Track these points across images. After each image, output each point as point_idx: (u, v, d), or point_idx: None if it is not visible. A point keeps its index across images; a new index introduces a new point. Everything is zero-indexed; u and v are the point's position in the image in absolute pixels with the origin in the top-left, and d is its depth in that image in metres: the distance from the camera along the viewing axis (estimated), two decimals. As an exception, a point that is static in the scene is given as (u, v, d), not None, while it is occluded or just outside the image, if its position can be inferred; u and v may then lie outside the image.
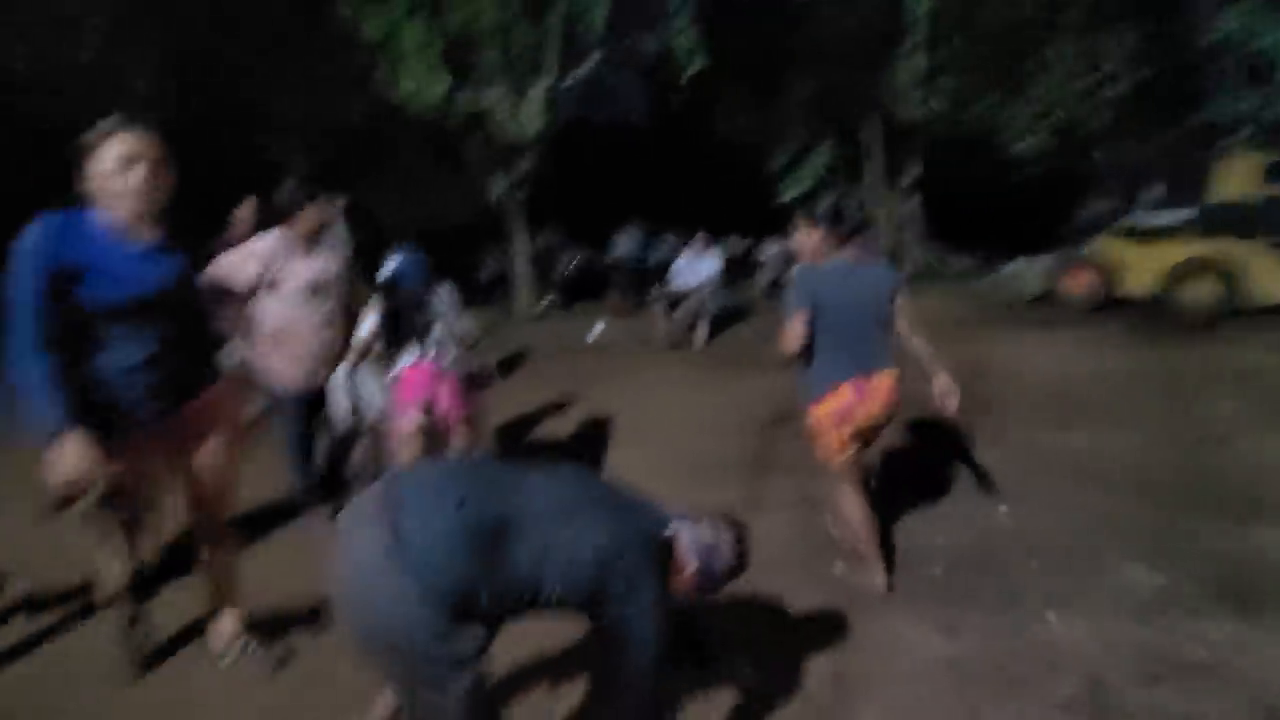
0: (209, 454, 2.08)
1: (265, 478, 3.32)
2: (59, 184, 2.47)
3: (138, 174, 1.77)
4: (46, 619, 2.63)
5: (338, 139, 11.76)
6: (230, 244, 3.01)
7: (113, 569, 2.11)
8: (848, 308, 2.46)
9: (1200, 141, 8.16)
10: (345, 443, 3.42)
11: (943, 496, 3.42)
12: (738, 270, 11.57)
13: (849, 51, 11.92)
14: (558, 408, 5.29)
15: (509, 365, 7.00)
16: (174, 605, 2.50)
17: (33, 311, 1.67)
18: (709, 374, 6.32)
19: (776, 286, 9.84)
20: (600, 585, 1.39)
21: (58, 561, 2.92)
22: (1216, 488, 3.32)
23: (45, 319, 1.68)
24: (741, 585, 1.70)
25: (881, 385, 2.49)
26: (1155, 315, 7.33)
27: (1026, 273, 8.75)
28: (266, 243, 2.96)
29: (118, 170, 1.76)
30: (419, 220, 13.37)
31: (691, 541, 1.56)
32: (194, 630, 2.44)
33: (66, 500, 1.77)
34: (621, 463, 4.13)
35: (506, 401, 5.38)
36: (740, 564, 1.65)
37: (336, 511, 3.20)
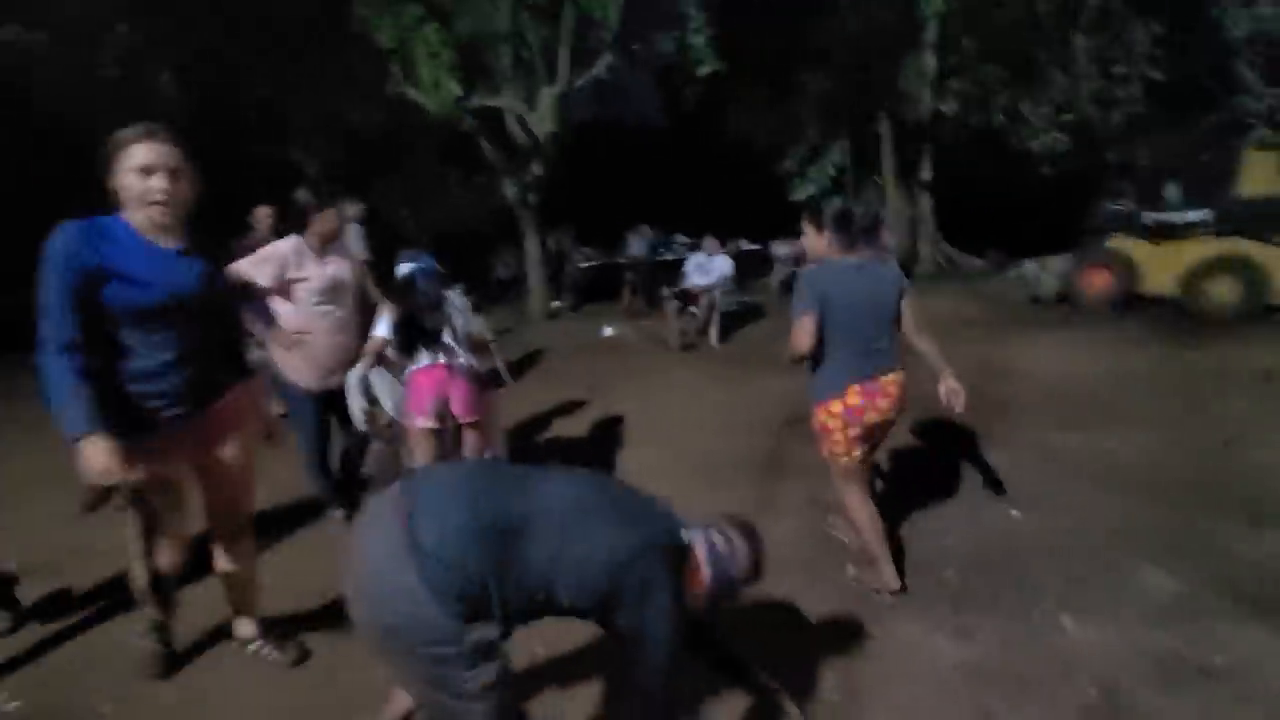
0: (230, 453, 2.12)
1: (282, 477, 3.36)
2: (82, 189, 2.53)
3: (157, 183, 1.81)
4: (71, 615, 2.69)
5: (353, 144, 11.89)
6: (251, 247, 3.06)
7: (141, 568, 2.15)
8: (856, 308, 2.47)
9: (1219, 139, 8.02)
10: (360, 444, 3.45)
11: (955, 499, 3.40)
12: (750, 269, 11.56)
13: (861, 51, 11.87)
14: (571, 408, 5.31)
15: (522, 365, 7.03)
16: (191, 604, 2.53)
17: (61, 314, 1.71)
18: (721, 374, 6.31)
19: (788, 286, 9.81)
20: (614, 590, 1.39)
21: (85, 558, 3.00)
22: (1235, 490, 3.27)
23: (73, 322, 1.72)
24: (752, 588, 1.70)
25: (889, 386, 2.50)
26: (1173, 315, 7.24)
27: (1041, 273, 8.66)
28: (282, 247, 3.01)
29: (139, 178, 1.80)
30: (433, 223, 13.51)
31: (706, 549, 1.55)
32: (212, 628, 2.48)
33: (98, 500, 1.81)
34: (634, 462, 4.14)
35: (520, 401, 5.42)
36: (755, 572, 1.64)
37: (352, 511, 3.25)
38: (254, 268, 2.90)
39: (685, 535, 1.56)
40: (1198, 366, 5.49)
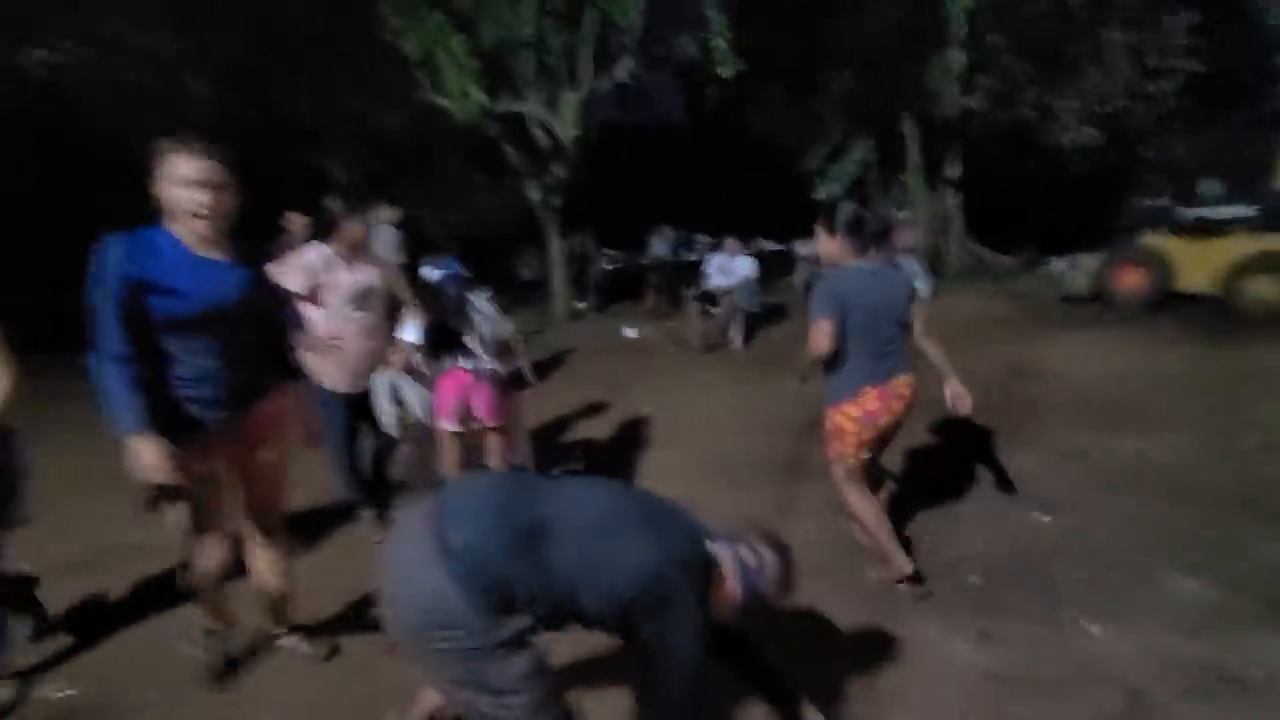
0: (268, 453, 2.19)
1: (314, 479, 3.45)
2: (124, 198, 2.63)
3: (199, 196, 1.88)
4: (118, 611, 2.79)
5: (381, 150, 12.10)
6: (285, 249, 3.14)
7: (192, 568, 2.22)
8: (872, 311, 2.51)
9: (1258, 133, 7.79)
10: (389, 446, 3.53)
11: (981, 502, 3.37)
12: (773, 268, 11.49)
13: (885, 48, 11.74)
14: (594, 408, 5.36)
15: (547, 367, 7.10)
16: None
17: (111, 323, 1.81)
18: (744, 375, 6.31)
19: (809, 287, 9.75)
20: (638, 601, 1.41)
21: (133, 557, 3.11)
22: (1270, 496, 3.19)
23: (123, 335, 1.81)
24: (781, 601, 1.69)
25: (901, 388, 2.55)
26: (1208, 314, 7.04)
27: (1073, 271, 8.48)
28: (312, 255, 3.10)
29: (184, 190, 1.88)
30: (459, 227, 13.68)
31: (733, 561, 1.55)
32: (244, 621, 2.56)
33: (154, 500, 1.90)
34: (656, 463, 4.17)
35: (545, 402, 5.48)
36: (785, 587, 1.62)
37: (382, 512, 3.32)
38: (284, 276, 2.98)
39: (712, 547, 1.56)
40: (1233, 367, 5.35)
